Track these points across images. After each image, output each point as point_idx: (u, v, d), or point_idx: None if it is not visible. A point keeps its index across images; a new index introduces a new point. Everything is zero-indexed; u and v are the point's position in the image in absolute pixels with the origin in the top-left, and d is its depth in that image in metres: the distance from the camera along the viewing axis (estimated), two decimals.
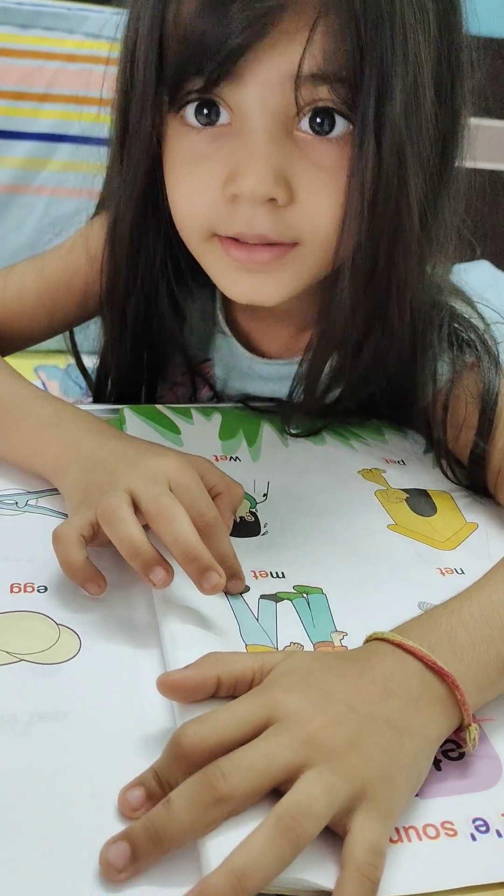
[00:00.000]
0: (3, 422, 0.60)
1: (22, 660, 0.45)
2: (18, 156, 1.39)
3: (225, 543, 0.51)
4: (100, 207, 0.74)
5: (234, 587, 0.52)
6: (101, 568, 0.50)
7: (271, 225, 0.56)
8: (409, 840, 0.39)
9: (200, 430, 0.66)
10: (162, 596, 0.49)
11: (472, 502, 0.65)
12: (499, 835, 0.40)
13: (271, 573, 0.54)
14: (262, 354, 0.74)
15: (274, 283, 0.59)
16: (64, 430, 0.58)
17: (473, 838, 0.40)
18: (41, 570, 0.51)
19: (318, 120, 0.54)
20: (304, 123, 0.54)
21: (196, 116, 0.56)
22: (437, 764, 0.43)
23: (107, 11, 1.46)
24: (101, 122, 1.56)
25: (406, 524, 0.61)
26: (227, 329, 0.75)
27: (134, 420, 0.65)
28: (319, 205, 0.56)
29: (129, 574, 0.51)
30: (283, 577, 0.54)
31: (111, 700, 0.44)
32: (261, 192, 0.54)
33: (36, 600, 0.49)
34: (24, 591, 0.50)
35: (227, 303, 0.75)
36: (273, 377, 0.73)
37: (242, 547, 0.55)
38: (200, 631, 0.47)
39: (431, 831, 0.40)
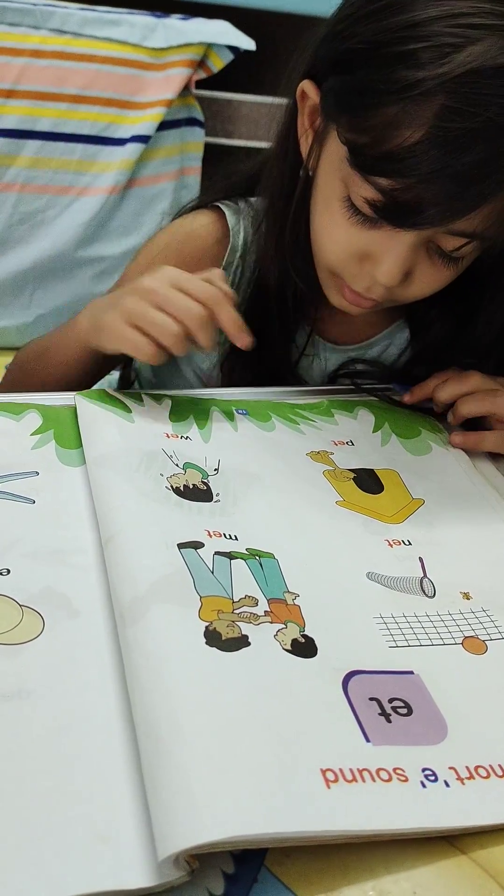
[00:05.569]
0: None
1: None
2: None
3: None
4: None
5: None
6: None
7: (384, 296, 0.71)
8: (364, 781, 0.41)
9: (151, 412, 0.67)
10: (114, 562, 0.51)
11: (419, 479, 0.67)
12: (447, 784, 0.42)
13: (224, 534, 0.55)
14: (328, 341, 0.85)
15: (372, 309, 0.75)
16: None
17: (423, 785, 0.42)
18: (3, 554, 0.52)
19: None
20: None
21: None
22: (387, 718, 0.45)
23: (72, 7, 1.46)
24: (69, 118, 1.56)
25: (354, 500, 0.63)
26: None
27: (84, 404, 0.66)
28: (425, 288, 0.71)
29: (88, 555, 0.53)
30: (236, 539, 0.55)
31: (74, 678, 0.45)
32: (390, 284, 0.68)
33: None
34: None
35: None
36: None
37: (195, 510, 0.57)
38: (149, 597, 0.48)
39: (384, 775, 0.42)
